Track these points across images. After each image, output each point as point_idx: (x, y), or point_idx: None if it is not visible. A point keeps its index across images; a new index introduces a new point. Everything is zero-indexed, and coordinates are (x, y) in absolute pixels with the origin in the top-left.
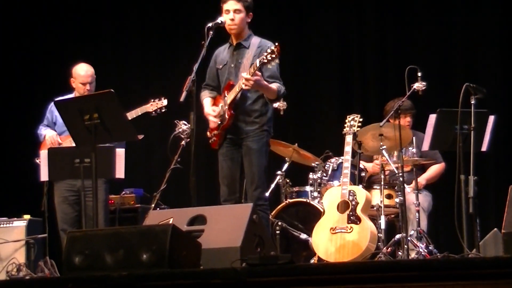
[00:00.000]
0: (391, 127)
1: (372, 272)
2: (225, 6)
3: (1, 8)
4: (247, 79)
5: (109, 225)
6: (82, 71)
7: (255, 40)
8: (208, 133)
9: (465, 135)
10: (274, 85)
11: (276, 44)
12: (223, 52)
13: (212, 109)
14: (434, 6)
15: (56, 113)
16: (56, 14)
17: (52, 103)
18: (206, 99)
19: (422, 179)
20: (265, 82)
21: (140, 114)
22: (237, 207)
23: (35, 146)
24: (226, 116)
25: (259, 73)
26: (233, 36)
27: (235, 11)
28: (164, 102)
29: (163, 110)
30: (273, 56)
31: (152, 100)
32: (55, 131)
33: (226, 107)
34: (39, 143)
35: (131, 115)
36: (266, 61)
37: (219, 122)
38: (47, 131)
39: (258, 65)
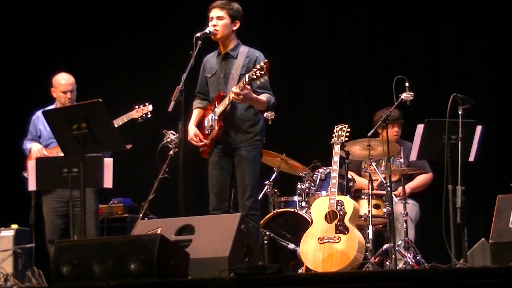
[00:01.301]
0: (379, 142)
1: (360, 282)
2: (210, 14)
3: None
4: (236, 93)
5: (100, 234)
6: (63, 80)
7: (243, 49)
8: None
9: (453, 145)
10: (264, 96)
11: (266, 60)
12: (211, 60)
13: (195, 133)
14: (422, 17)
15: (40, 126)
16: (43, 25)
17: (34, 117)
18: (195, 110)
19: (407, 187)
20: (255, 95)
21: (126, 121)
22: (225, 217)
23: (22, 155)
24: (216, 127)
25: (249, 87)
26: (220, 44)
27: (218, 18)
28: (149, 107)
29: (149, 116)
30: (262, 72)
31: (137, 106)
32: (41, 143)
33: (216, 118)
34: (26, 157)
35: (117, 122)
36: (255, 77)
37: (208, 132)
38: (33, 144)
39: (247, 80)
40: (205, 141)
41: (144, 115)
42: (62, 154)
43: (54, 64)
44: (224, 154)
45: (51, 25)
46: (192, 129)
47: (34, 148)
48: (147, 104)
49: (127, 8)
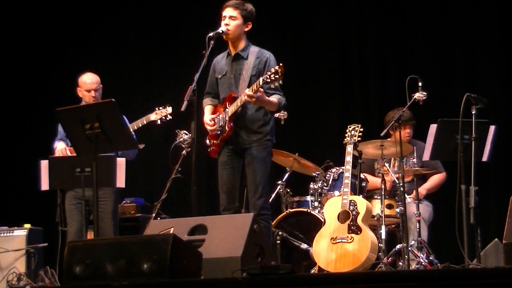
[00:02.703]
0: (392, 142)
1: (373, 282)
2: (223, 13)
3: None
4: (249, 96)
5: (118, 235)
6: (88, 79)
7: (254, 50)
8: (207, 141)
9: (466, 145)
10: (275, 97)
11: (281, 64)
12: (221, 61)
13: (210, 118)
14: (434, 16)
15: None
16: (56, 23)
17: None
18: (207, 106)
19: (423, 189)
20: (267, 98)
21: (145, 123)
22: (238, 217)
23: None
24: (227, 128)
25: (262, 90)
26: (230, 45)
27: (230, 17)
28: (169, 110)
29: (168, 118)
30: (277, 76)
31: (157, 109)
32: (68, 143)
33: (227, 118)
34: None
35: (136, 124)
36: (269, 81)
37: (218, 132)
38: (59, 144)
39: (261, 83)
40: (216, 141)
41: (163, 118)
42: None
43: (67, 64)
44: (234, 154)
45: (71, 26)
46: (208, 116)
47: (59, 148)
48: (167, 106)
49: (139, 7)
